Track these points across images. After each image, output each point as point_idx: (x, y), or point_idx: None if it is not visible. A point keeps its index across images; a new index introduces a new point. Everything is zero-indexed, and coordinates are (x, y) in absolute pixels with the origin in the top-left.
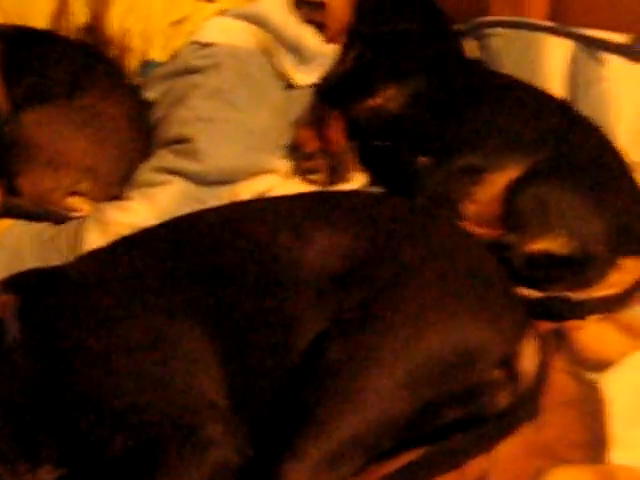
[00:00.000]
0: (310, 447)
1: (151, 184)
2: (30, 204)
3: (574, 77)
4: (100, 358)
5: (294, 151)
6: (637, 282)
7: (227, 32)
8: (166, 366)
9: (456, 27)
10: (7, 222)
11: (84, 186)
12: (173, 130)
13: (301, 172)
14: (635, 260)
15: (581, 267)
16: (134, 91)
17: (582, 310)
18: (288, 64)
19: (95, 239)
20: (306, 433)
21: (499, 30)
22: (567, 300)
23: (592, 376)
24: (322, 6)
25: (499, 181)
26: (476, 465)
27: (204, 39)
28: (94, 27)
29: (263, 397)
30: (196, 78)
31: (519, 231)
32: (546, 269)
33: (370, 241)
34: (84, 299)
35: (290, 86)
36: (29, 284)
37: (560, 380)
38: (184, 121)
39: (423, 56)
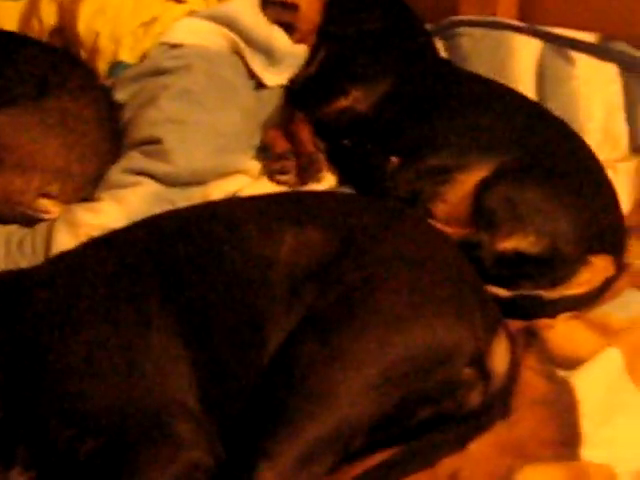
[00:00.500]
0: (282, 448)
1: (121, 185)
2: None
3: (544, 76)
4: (69, 360)
5: (263, 152)
6: (607, 280)
7: (196, 33)
8: (135, 367)
9: (425, 27)
10: None
11: (54, 188)
12: (143, 131)
13: (270, 173)
14: (605, 258)
15: (551, 265)
16: (104, 92)
17: (553, 308)
18: (258, 65)
19: (65, 241)
20: (278, 434)
21: (468, 30)
22: (538, 298)
23: (563, 374)
24: (294, 7)
25: (469, 180)
26: (448, 463)
27: (173, 40)
28: (63, 29)
29: (234, 398)
30: (166, 79)
31: (489, 230)
32: (516, 267)
33: (341, 241)
34: (53, 302)
35: (260, 87)
36: None
37: (531, 378)
38: (154, 122)
39: (391, 57)
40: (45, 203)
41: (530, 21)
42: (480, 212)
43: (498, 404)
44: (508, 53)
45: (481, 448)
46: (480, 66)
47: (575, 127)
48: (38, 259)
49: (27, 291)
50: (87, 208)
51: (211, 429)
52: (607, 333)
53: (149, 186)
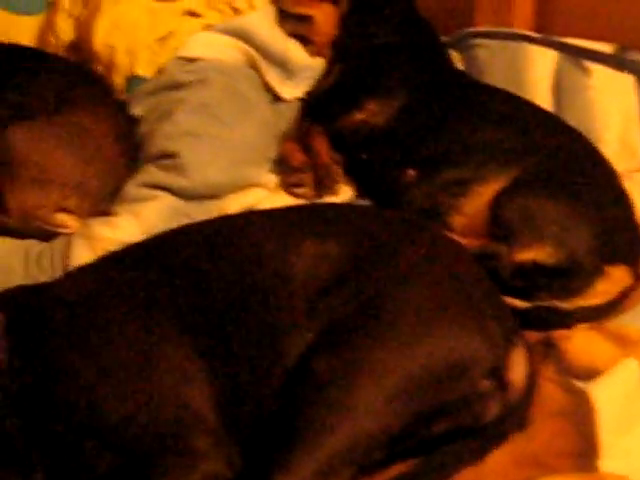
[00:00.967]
0: (300, 461)
1: (138, 200)
2: (17, 221)
3: (560, 87)
4: (88, 374)
5: (280, 165)
6: (624, 291)
7: (213, 47)
8: (154, 381)
9: (441, 39)
10: None
11: (71, 202)
12: (159, 145)
13: (287, 186)
14: (622, 269)
15: (568, 276)
16: (121, 107)
17: (570, 319)
18: (274, 78)
19: (82, 255)
20: (296, 447)
21: (484, 41)
22: (555, 309)
23: (581, 385)
24: (310, 20)
25: (486, 192)
26: (466, 476)
27: (190, 54)
28: (79, 44)
29: (252, 411)
30: (182, 93)
31: (506, 241)
32: (533, 279)
33: (358, 254)
34: (72, 316)
35: (276, 100)
36: (16, 302)
37: (549, 390)
38: (170, 136)
39: (408, 70)
40: (62, 218)
41: (546, 32)
42: (497, 223)
43: (516, 416)
44: (524, 64)
45: (498, 460)
46: (496, 77)
47: (592, 138)
48: (56, 273)
49: (46, 306)
50: (104, 222)
51: (229, 442)
52: (625, 344)
53: (166, 200)
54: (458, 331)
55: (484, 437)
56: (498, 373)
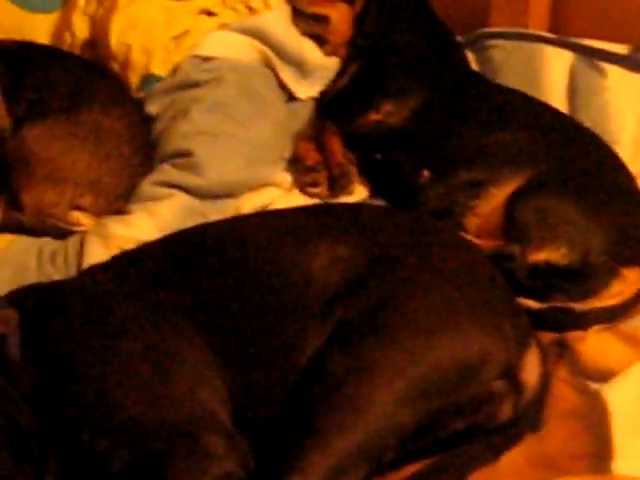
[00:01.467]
0: (314, 460)
1: (153, 198)
2: (31, 219)
3: (575, 88)
4: (102, 372)
5: (294, 164)
6: (639, 292)
7: (228, 46)
8: (168, 380)
9: (456, 39)
10: (9, 237)
11: (86, 200)
12: (174, 144)
13: (301, 185)
14: (637, 270)
15: (583, 277)
16: (136, 105)
17: (585, 321)
18: (289, 77)
19: (97, 253)
20: (310, 446)
21: (500, 42)
22: (570, 310)
23: (595, 387)
24: (325, 19)
25: (501, 194)
26: (480, 476)
27: (205, 53)
28: (95, 42)
29: (266, 410)
30: (197, 92)
31: (520, 242)
32: (548, 279)
33: (372, 254)
34: (85, 314)
35: (291, 99)
36: (31, 299)
37: (563, 391)
38: (185, 135)
39: (423, 71)
40: (77, 215)
41: (561, 33)
42: (512, 224)
43: (530, 417)
44: (539, 65)
45: (512, 461)
46: (511, 78)
47: (607, 139)
48: (70, 271)
49: (60, 303)
50: (119, 221)
51: (242, 442)
52: (639, 345)
53: (181, 199)
54: (472, 332)
55: (498, 438)
56: (512, 374)
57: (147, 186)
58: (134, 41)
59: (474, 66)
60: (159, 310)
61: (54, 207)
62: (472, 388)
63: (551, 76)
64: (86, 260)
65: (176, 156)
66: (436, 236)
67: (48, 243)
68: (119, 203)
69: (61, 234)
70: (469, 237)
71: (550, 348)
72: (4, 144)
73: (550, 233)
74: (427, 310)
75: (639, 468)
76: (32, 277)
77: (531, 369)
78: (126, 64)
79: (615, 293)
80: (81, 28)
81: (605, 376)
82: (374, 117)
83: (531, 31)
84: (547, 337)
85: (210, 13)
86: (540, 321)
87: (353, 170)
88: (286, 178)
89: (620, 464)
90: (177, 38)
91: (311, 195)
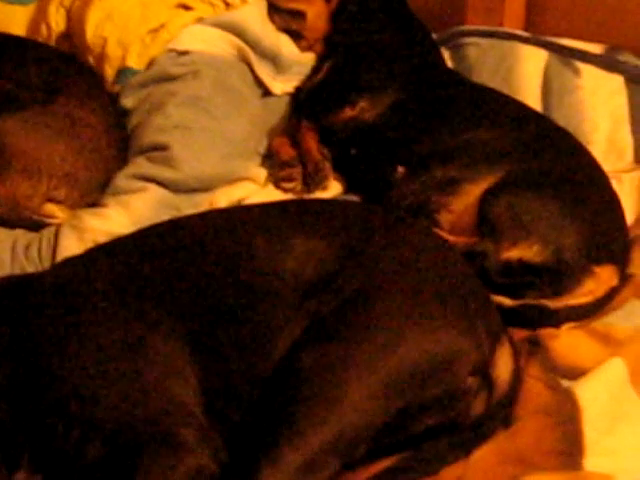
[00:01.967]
0: (286, 454)
1: (127, 191)
2: (5, 211)
3: (549, 86)
4: (75, 364)
5: (270, 159)
6: (611, 290)
7: (204, 40)
8: (141, 373)
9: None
10: None
11: (61, 193)
12: (149, 137)
13: (276, 180)
14: (609, 268)
15: (556, 275)
16: (111, 99)
17: (557, 318)
18: (265, 73)
19: (71, 246)
20: (282, 440)
21: (474, 40)
22: (542, 308)
23: (566, 384)
24: (302, 15)
25: (475, 191)
26: (452, 472)
27: (181, 47)
28: (71, 35)
29: (239, 404)
30: (173, 86)
31: (494, 239)
32: (521, 277)
33: (345, 250)
34: (59, 306)
35: (267, 95)
36: (3, 292)
37: (534, 388)
38: (160, 128)
39: (398, 67)
40: (52, 208)
41: (536, 31)
42: (485, 221)
43: (501, 413)
44: (514, 63)
45: (484, 457)
46: (486, 76)
47: (580, 138)
48: (44, 264)
49: (33, 296)
50: (93, 213)
51: (215, 435)
52: (611, 343)
53: (155, 192)
54: (443, 328)
55: (469, 433)
56: (483, 370)
57: (122, 179)
58: (110, 34)
59: (449, 63)
60: (131, 303)
61: (29, 199)
62: (444, 384)
63: (526, 75)
64: (60, 253)
65: (151, 149)
66: (409, 233)
67: (22, 235)
68: (94, 196)
69: (35, 226)
70: (443, 234)
71: (522, 345)
72: None
73: (523, 230)
74: (399, 306)
75: (609, 465)
76: (6, 269)
77: (503, 366)
78: (102, 57)
79: (587, 291)
80: (57, 20)
81: (577, 373)
82: (349, 113)
83: (506, 29)
84: (519, 334)
85: (187, 7)
86: (512, 318)
87: (328, 166)
88: (261, 173)
89: (591, 461)
90: (153, 31)
91: (286, 190)
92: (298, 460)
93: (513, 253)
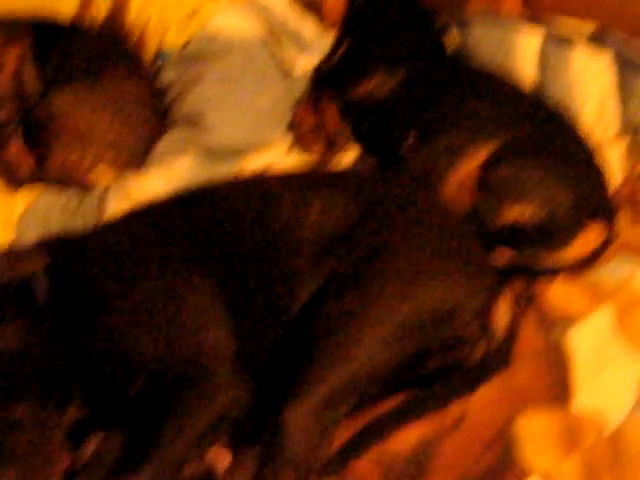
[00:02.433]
0: (310, 391)
1: (168, 155)
2: (57, 175)
3: (545, 65)
4: (121, 310)
5: (294, 128)
6: (601, 245)
7: (234, 23)
8: (180, 319)
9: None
10: (37, 191)
11: (108, 159)
12: (186, 108)
13: (301, 145)
14: (599, 226)
15: (550, 232)
16: (150, 76)
17: (551, 271)
18: (289, 53)
19: (116, 207)
20: (305, 379)
21: (477, 20)
22: (537, 262)
23: (558, 331)
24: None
25: (476, 157)
26: (456, 407)
27: (213, 30)
28: (115, 19)
29: (266, 347)
30: (206, 64)
31: (493, 202)
32: (518, 235)
33: (362, 209)
34: (105, 261)
35: (291, 73)
36: (57, 247)
37: (529, 334)
38: (196, 100)
39: (409, 47)
40: (99, 173)
41: (534, 10)
42: (485, 185)
43: (499, 356)
44: (513, 44)
45: (484, 394)
46: (485, 57)
47: (572, 110)
48: (91, 224)
49: (81, 252)
50: (137, 177)
51: (246, 376)
52: (600, 294)
53: (193, 156)
54: (450, 279)
55: (473, 373)
56: (484, 318)
57: (162, 145)
58: (151, 16)
59: (454, 42)
60: (171, 258)
61: (78, 165)
62: (449, 330)
63: (523, 54)
64: (106, 213)
65: (188, 119)
66: (418, 197)
67: (72, 197)
68: (137, 162)
69: (84, 189)
70: (447, 197)
71: (518, 296)
72: (35, 107)
73: (521, 193)
74: (410, 261)
75: (595, 402)
76: (56, 229)
77: (501, 314)
78: (142, 38)
79: (579, 246)
80: (102, 7)
81: (568, 322)
82: (364, 87)
83: (504, 14)
84: (516, 286)
85: None
86: (509, 271)
87: (346, 134)
88: (287, 140)
89: (579, 399)
90: (188, 15)
91: (310, 153)
92: (320, 396)
93: (512, 213)
